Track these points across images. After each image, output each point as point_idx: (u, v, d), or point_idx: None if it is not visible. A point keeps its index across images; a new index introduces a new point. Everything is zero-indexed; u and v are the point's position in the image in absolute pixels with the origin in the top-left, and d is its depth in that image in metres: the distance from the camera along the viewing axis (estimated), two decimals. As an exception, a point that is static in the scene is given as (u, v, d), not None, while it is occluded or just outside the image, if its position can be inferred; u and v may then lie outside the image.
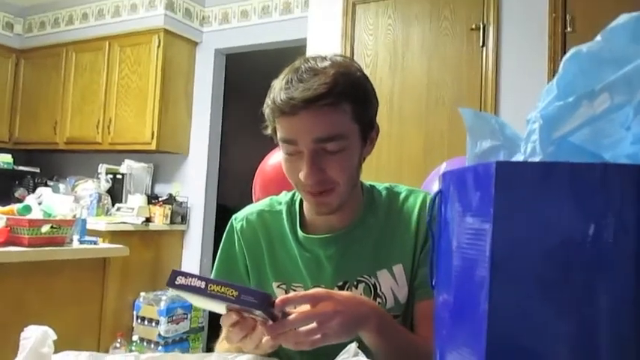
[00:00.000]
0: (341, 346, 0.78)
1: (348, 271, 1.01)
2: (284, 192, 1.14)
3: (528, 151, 0.50)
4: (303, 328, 0.77)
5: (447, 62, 2.64)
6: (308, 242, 1.03)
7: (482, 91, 2.52)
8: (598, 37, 0.53)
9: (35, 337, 0.83)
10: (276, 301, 0.77)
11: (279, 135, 0.94)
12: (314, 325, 0.77)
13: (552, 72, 2.34)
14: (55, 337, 0.84)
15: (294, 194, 1.10)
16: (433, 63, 2.68)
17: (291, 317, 0.77)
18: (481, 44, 2.54)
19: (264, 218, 1.10)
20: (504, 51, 2.50)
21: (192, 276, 0.74)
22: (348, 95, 0.91)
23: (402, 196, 1.07)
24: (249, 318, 0.80)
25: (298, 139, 0.91)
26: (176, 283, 0.74)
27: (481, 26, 2.54)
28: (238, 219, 1.12)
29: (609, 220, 0.47)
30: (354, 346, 0.79)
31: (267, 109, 0.95)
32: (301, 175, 0.92)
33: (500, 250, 0.48)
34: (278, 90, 0.91)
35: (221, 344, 1.08)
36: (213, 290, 0.73)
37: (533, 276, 0.49)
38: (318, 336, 0.78)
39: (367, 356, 0.79)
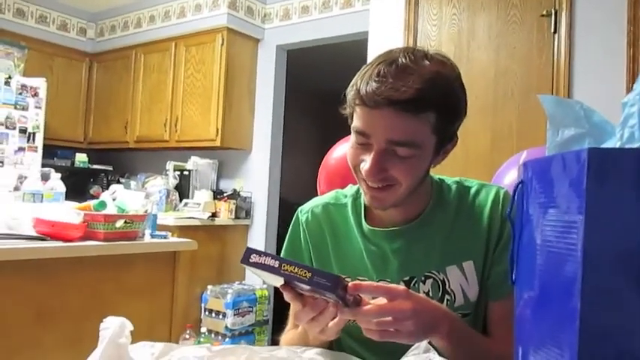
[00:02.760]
0: (405, 346, 0.77)
1: (414, 266, 0.99)
2: (350, 185, 1.12)
3: (625, 136, 0.47)
4: (377, 320, 0.76)
5: (515, 52, 2.53)
6: (373, 235, 1.02)
7: (555, 81, 2.40)
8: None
9: (113, 327, 0.85)
10: (349, 284, 0.76)
11: (354, 123, 0.91)
12: (389, 319, 0.76)
13: (632, 58, 2.20)
14: (132, 327, 0.87)
15: (359, 188, 1.08)
16: (501, 53, 2.58)
17: (367, 307, 0.76)
18: (553, 31, 2.42)
19: (330, 211, 1.09)
20: (578, 38, 2.37)
21: (267, 255, 0.75)
22: (436, 105, 0.86)
23: (473, 190, 1.02)
24: (320, 299, 0.80)
25: (372, 134, 0.88)
26: (250, 260, 0.75)
27: (552, 12, 2.42)
28: (304, 211, 1.12)
29: None
30: (424, 342, 0.77)
31: (350, 93, 0.91)
32: (363, 167, 0.90)
33: (593, 244, 0.45)
34: (367, 78, 0.87)
35: (286, 335, 1.08)
36: (287, 270, 0.73)
37: (630, 272, 0.45)
38: (391, 330, 0.76)
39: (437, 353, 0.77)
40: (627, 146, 0.47)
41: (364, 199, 1.00)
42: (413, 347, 0.77)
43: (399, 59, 0.87)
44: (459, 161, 2.58)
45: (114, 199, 2.17)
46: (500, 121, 2.54)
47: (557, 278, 0.50)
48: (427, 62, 0.88)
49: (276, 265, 0.74)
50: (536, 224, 0.57)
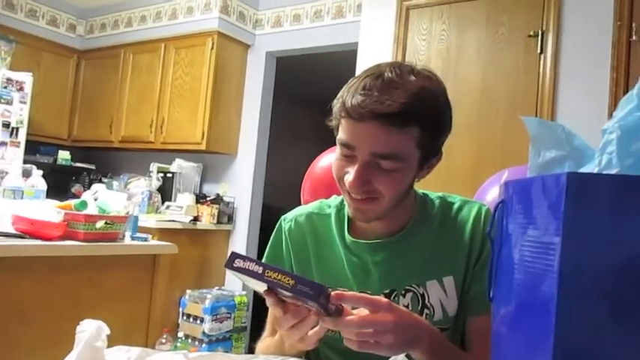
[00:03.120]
0: (383, 357, 0.77)
1: (395, 279, 0.99)
2: (334, 196, 1.13)
3: (603, 162, 0.48)
4: (358, 331, 0.76)
5: (502, 70, 2.57)
6: (356, 247, 1.02)
7: (539, 101, 2.44)
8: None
9: (90, 330, 0.85)
10: (332, 294, 0.76)
11: (339, 135, 0.92)
12: (370, 330, 0.76)
13: (615, 82, 2.24)
14: (108, 331, 0.86)
15: (343, 199, 1.09)
16: (488, 71, 2.62)
17: (348, 318, 0.77)
18: (539, 51, 2.46)
19: (313, 221, 1.09)
20: (564, 59, 2.42)
21: (251, 260, 0.75)
22: (421, 120, 0.87)
23: (456, 206, 1.03)
24: (302, 307, 0.80)
25: (356, 146, 0.88)
26: (234, 265, 0.75)
27: (540, 33, 2.46)
28: (287, 220, 1.12)
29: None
30: (401, 357, 0.78)
31: (336, 105, 0.92)
32: (347, 179, 0.90)
33: (569, 266, 0.46)
34: (353, 91, 0.88)
35: (262, 342, 1.08)
36: (270, 277, 0.73)
37: (605, 294, 0.46)
38: (371, 341, 0.77)
39: None
40: (605, 172, 0.49)
41: (348, 211, 1.01)
42: (391, 359, 0.78)
43: (385, 73, 0.88)
44: (443, 176, 2.60)
45: (95, 199, 2.15)
46: (485, 138, 2.57)
47: (534, 297, 0.51)
48: (413, 77, 0.89)
49: (260, 271, 0.74)
50: (515, 243, 0.58)
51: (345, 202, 1.00)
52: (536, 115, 2.41)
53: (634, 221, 0.44)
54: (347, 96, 0.89)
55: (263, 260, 1.13)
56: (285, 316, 0.80)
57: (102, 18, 4.92)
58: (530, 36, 2.50)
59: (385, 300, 0.80)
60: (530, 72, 2.49)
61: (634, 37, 2.24)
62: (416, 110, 0.86)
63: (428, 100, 0.88)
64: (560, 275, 0.46)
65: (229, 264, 0.76)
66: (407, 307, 0.97)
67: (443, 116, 0.93)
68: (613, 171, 0.47)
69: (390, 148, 0.87)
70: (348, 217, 1.05)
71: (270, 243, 1.13)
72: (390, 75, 0.88)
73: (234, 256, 0.76)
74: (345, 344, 0.78)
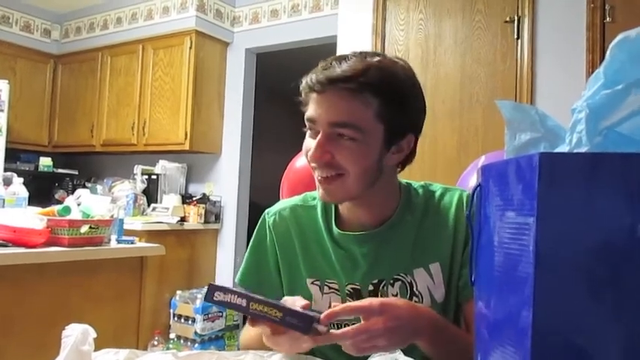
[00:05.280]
0: None
1: (383, 269, 1.00)
2: None
3: (574, 141, 0.48)
4: (352, 340, 0.77)
5: (480, 57, 2.59)
6: (343, 239, 1.02)
7: (518, 85, 2.46)
8: (646, 22, 0.51)
9: (76, 335, 0.84)
10: (322, 317, 0.76)
11: (305, 113, 0.94)
12: (363, 337, 0.76)
13: (591, 64, 2.26)
14: (95, 335, 0.86)
15: None
16: (466, 58, 2.63)
17: (341, 331, 0.77)
18: (516, 37, 2.48)
19: (298, 213, 1.09)
20: (540, 43, 2.44)
21: (232, 292, 0.73)
22: (376, 89, 0.88)
23: (438, 194, 1.04)
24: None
25: (317, 118, 0.91)
26: (215, 299, 0.73)
27: (516, 18, 2.48)
28: (271, 213, 1.11)
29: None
30: (398, 352, 0.78)
31: (302, 84, 0.95)
32: (309, 152, 0.92)
33: (545, 246, 0.47)
34: (317, 68, 0.92)
35: (245, 333, 1.07)
36: (256, 309, 0.72)
37: (580, 272, 0.47)
38: (367, 346, 0.77)
39: (405, 354, 0.78)
40: (576, 151, 0.49)
41: (318, 194, 1.00)
42: (386, 355, 0.78)
43: (350, 53, 0.93)
44: (428, 164, 2.62)
45: (79, 204, 2.13)
46: (467, 125, 2.59)
47: (512, 278, 0.52)
48: (378, 57, 0.92)
49: (244, 304, 0.72)
50: (494, 226, 0.58)
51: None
52: (515, 100, 2.43)
53: (604, 198, 0.45)
54: (312, 72, 0.92)
55: (246, 255, 1.12)
56: (272, 336, 0.80)
57: (77, 21, 4.86)
58: (506, 22, 2.51)
59: (376, 303, 0.79)
60: (508, 57, 2.51)
61: (608, 19, 2.27)
62: (371, 78, 0.88)
63: (385, 71, 0.90)
64: (536, 255, 0.47)
65: (209, 298, 0.74)
66: (396, 296, 0.98)
67: (406, 92, 0.93)
68: (583, 149, 0.48)
69: (346, 116, 0.88)
70: (335, 207, 1.05)
71: (253, 237, 1.13)
72: (353, 52, 0.93)
73: (214, 288, 0.74)
74: (344, 350, 0.79)
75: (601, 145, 0.47)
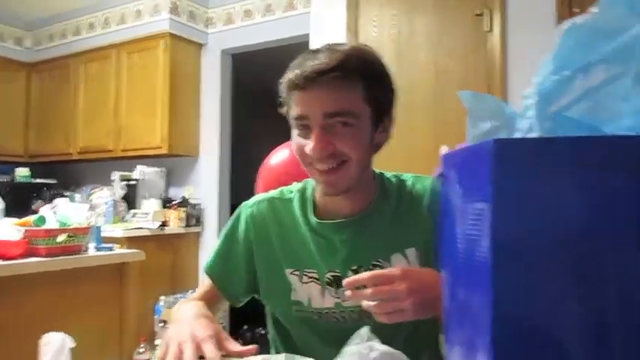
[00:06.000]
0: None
1: (362, 256, 1.02)
2: (295, 182, 1.14)
3: (525, 127, 0.50)
4: (376, 304, 0.80)
5: (453, 51, 2.61)
6: (321, 228, 1.04)
7: (491, 77, 2.49)
8: (594, 9, 0.52)
9: (54, 343, 0.84)
10: (345, 282, 0.81)
11: (291, 113, 0.95)
12: (387, 297, 0.80)
13: (560, 53, 2.30)
14: (73, 344, 0.85)
15: (305, 183, 1.11)
16: (439, 52, 2.65)
17: (365, 290, 0.80)
18: (487, 30, 2.51)
19: (275, 206, 1.10)
20: (511, 35, 2.47)
21: None
22: (361, 72, 0.92)
23: (410, 182, 1.08)
24: None
25: (309, 114, 0.92)
26: None
27: (486, 12, 2.51)
28: (248, 205, 1.13)
29: (614, 194, 0.46)
30: (366, 329, 0.79)
31: (283, 86, 0.96)
32: (308, 149, 0.92)
33: (501, 230, 0.47)
34: (295, 66, 0.94)
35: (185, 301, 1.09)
36: None
37: (536, 255, 0.48)
38: (397, 312, 0.80)
39: (381, 340, 0.79)
40: (527, 136, 0.50)
41: (318, 189, 1.04)
42: (355, 336, 0.79)
43: (321, 46, 0.96)
44: (404, 158, 2.63)
45: (55, 213, 2.11)
46: (442, 118, 2.61)
47: (474, 266, 0.53)
48: (347, 46, 0.96)
49: None
50: (456, 214, 0.59)
51: (314, 181, 1.03)
52: (488, 92, 2.46)
53: (555, 181, 0.46)
54: (290, 72, 0.93)
55: (217, 245, 1.14)
56: None
57: (49, 29, 4.79)
58: (477, 15, 2.54)
59: (398, 269, 0.82)
60: (480, 50, 2.53)
61: (576, 9, 2.30)
62: (355, 64, 0.92)
63: (364, 55, 0.95)
64: (493, 240, 0.47)
65: None
66: None
67: (383, 72, 0.98)
68: (534, 134, 0.49)
69: (340, 104, 0.91)
70: (313, 199, 1.07)
71: (227, 227, 1.14)
72: (325, 46, 0.96)
73: None
74: (377, 320, 0.82)
75: (551, 129, 0.48)
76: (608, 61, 0.47)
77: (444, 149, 0.63)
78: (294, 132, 0.97)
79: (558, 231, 0.47)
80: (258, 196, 1.15)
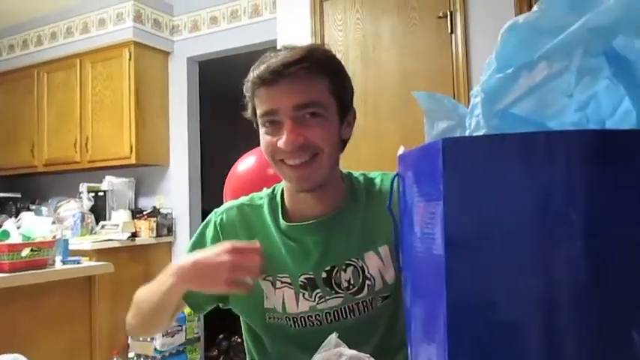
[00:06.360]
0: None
1: (335, 256, 1.02)
2: (265, 188, 1.14)
3: (473, 125, 0.50)
4: None
5: (418, 52, 2.64)
6: (292, 231, 1.03)
7: (455, 78, 2.53)
8: (535, 7, 0.53)
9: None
10: None
11: (259, 111, 0.95)
12: None
13: (520, 53, 2.35)
14: (28, 365, 0.83)
15: (274, 188, 1.11)
16: (405, 54, 2.68)
17: None
18: (450, 31, 2.55)
19: (245, 212, 1.10)
20: (473, 36, 2.51)
21: None
22: (325, 66, 0.95)
23: (378, 180, 1.09)
24: None
25: (278, 108, 0.92)
26: None
27: (448, 14, 2.55)
28: (218, 213, 1.12)
29: (560, 187, 0.47)
30: (334, 336, 0.79)
31: (246, 85, 0.97)
32: (281, 143, 0.92)
33: (452, 228, 0.48)
34: (257, 65, 0.95)
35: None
36: None
37: (488, 251, 0.49)
38: None
39: (349, 347, 0.79)
40: (475, 134, 0.51)
41: (289, 189, 1.03)
42: (324, 343, 0.79)
43: (280, 47, 0.98)
44: (373, 162, 2.65)
45: (19, 227, 2.06)
46: (409, 121, 2.63)
47: (429, 263, 0.53)
48: (305, 45, 0.98)
49: None
50: (412, 213, 0.60)
51: (283, 184, 1.03)
52: (453, 93, 2.49)
53: (502, 177, 0.47)
54: (253, 72, 0.95)
55: (186, 253, 1.11)
56: None
57: (9, 39, 4.68)
58: (440, 17, 2.58)
59: None
60: (444, 52, 2.57)
61: (535, 8, 2.35)
62: (320, 57, 0.94)
63: (326, 52, 0.98)
64: (446, 238, 0.48)
65: None
66: (348, 281, 1.01)
67: (341, 66, 1.00)
68: (481, 132, 0.50)
69: (309, 96, 0.92)
70: (282, 203, 1.06)
71: (194, 237, 1.13)
72: (284, 45, 0.98)
73: None
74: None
75: (497, 127, 0.49)
76: (550, 58, 0.48)
77: (400, 150, 0.64)
78: (262, 130, 0.97)
79: (507, 225, 0.48)
80: (228, 203, 1.14)
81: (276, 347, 1.06)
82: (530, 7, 2.35)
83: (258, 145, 1.90)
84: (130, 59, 3.91)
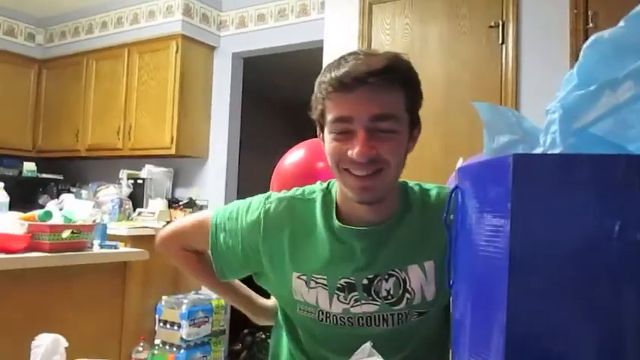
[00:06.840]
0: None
1: (379, 265, 1.00)
2: (319, 182, 1.11)
3: (548, 142, 0.48)
4: None
5: (465, 61, 2.60)
6: (343, 233, 1.01)
7: (503, 90, 2.47)
8: (621, 23, 0.51)
9: (46, 345, 0.82)
10: None
11: (330, 115, 0.92)
12: None
13: (574, 68, 2.28)
14: (66, 344, 0.84)
15: (329, 184, 1.08)
16: (451, 62, 2.64)
17: None
18: (500, 42, 2.49)
19: (295, 206, 1.06)
20: (524, 48, 2.45)
21: None
22: (403, 79, 0.92)
23: (434, 192, 1.06)
24: None
25: (354, 116, 0.89)
26: None
27: (500, 23, 2.50)
28: (269, 200, 1.08)
29: (634, 215, 0.45)
30: (368, 345, 0.78)
31: (319, 85, 0.94)
32: (352, 153, 0.89)
33: (518, 247, 0.46)
34: (335, 67, 0.92)
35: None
36: None
37: (554, 275, 0.46)
38: None
39: (382, 356, 0.77)
40: (550, 152, 0.49)
41: (345, 194, 0.99)
42: (359, 350, 0.77)
43: (357, 50, 0.94)
44: (414, 169, 2.61)
45: (61, 209, 2.10)
46: (452, 129, 2.59)
47: (488, 282, 0.51)
48: (383, 52, 0.95)
49: None
50: (471, 228, 0.58)
51: (345, 185, 0.97)
52: (500, 103, 2.44)
53: (575, 199, 0.44)
54: (330, 73, 0.91)
55: (233, 206, 1.12)
56: None
57: (62, 26, 4.81)
58: (491, 27, 2.53)
59: None
60: (493, 62, 2.52)
61: (590, 25, 2.28)
62: (398, 70, 0.91)
63: (405, 62, 0.94)
64: (510, 257, 0.46)
65: None
66: (388, 291, 0.99)
67: (419, 81, 0.98)
68: (557, 150, 0.48)
69: (387, 107, 0.90)
70: (336, 202, 1.03)
71: (237, 207, 1.11)
72: (360, 50, 0.95)
73: None
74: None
75: (574, 146, 0.47)
76: (636, 78, 0.45)
77: (460, 162, 0.62)
78: (330, 135, 0.94)
79: (577, 250, 0.46)
80: (281, 194, 1.10)
81: (307, 337, 1.06)
82: (586, 23, 2.29)
83: (296, 142, 1.90)
84: (176, 52, 3.96)
